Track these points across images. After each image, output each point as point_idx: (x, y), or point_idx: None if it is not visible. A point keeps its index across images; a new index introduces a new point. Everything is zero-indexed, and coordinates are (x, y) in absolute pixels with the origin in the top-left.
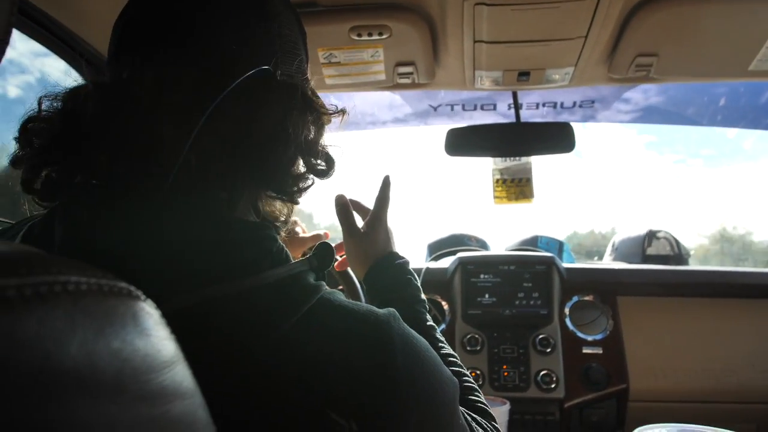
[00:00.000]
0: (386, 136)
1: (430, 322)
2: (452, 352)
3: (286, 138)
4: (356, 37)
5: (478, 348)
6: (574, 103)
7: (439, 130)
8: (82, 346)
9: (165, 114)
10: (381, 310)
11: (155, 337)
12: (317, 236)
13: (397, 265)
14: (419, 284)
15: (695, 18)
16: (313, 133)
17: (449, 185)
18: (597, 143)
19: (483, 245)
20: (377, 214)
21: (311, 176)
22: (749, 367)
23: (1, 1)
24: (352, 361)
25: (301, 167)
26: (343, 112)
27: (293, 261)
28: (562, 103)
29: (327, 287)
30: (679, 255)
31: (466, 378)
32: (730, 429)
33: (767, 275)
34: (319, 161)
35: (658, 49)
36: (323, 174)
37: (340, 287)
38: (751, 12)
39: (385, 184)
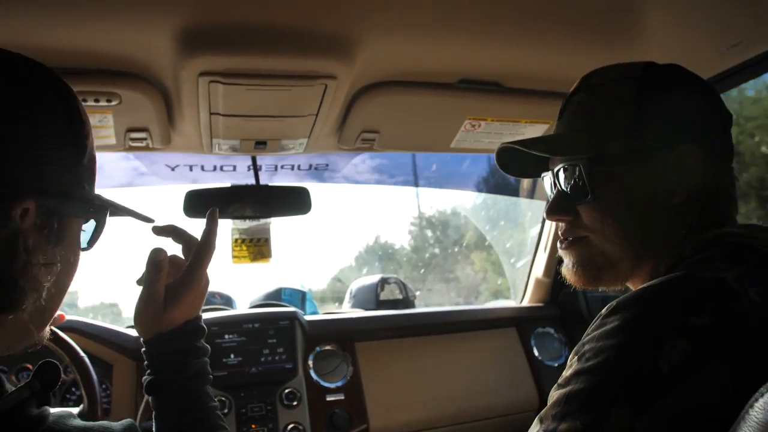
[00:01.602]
0: (123, 196)
1: (214, 402)
2: None
3: None
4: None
5: (226, 411)
6: (310, 166)
7: (179, 189)
8: None
9: None
10: (117, 428)
11: None
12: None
13: (184, 339)
14: (206, 357)
15: (407, 103)
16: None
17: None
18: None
19: (228, 301)
20: (195, 267)
21: None
22: (463, 392)
23: None
24: None
25: None
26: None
27: (10, 391)
28: (299, 166)
29: (52, 413)
30: (407, 298)
31: None
32: None
33: (478, 311)
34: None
35: (380, 127)
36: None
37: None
38: (449, 103)
39: (212, 220)
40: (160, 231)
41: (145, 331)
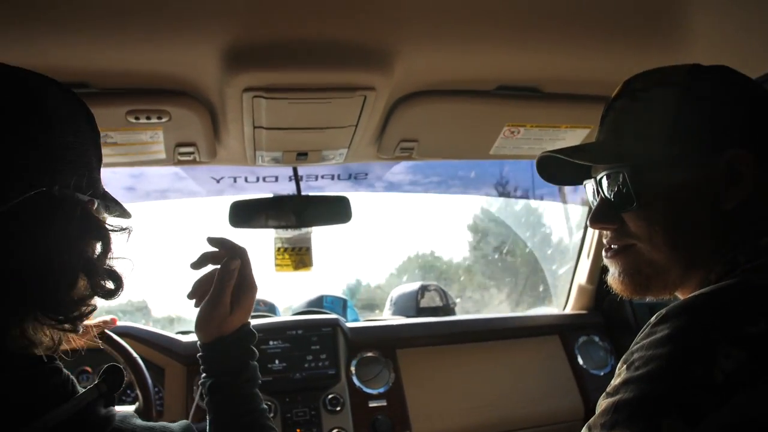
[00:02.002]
0: (169, 208)
1: (261, 405)
2: None
3: (65, 259)
4: (134, 120)
5: (272, 415)
6: (350, 175)
7: (224, 200)
8: None
9: None
10: (176, 429)
11: None
12: (104, 323)
13: (239, 347)
14: (256, 362)
15: (445, 112)
16: (97, 251)
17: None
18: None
19: (271, 308)
20: (246, 270)
21: (95, 298)
22: (506, 399)
23: None
24: None
25: (84, 289)
26: (128, 229)
27: (79, 392)
28: (339, 175)
29: (118, 413)
30: (447, 305)
31: None
32: None
33: (519, 319)
34: (105, 281)
35: (418, 136)
36: (110, 294)
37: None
38: (487, 110)
39: (219, 243)
40: (212, 241)
41: (207, 335)
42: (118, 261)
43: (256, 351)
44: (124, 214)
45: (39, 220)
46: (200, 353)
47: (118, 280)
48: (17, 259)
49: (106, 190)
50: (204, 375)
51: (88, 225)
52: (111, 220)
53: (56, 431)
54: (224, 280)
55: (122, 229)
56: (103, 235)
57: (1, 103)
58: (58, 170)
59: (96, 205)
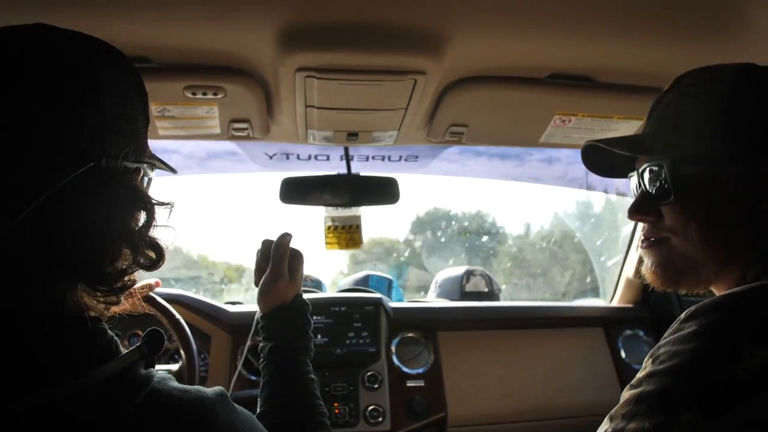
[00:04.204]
0: (221, 182)
1: (312, 375)
2: (322, 409)
3: (110, 232)
4: (191, 95)
5: None
6: (400, 157)
7: (275, 176)
8: None
9: None
10: (210, 394)
11: None
12: (148, 286)
13: (299, 313)
14: (311, 332)
15: (496, 98)
16: (140, 222)
17: (287, 224)
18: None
19: (317, 285)
20: (293, 250)
21: (137, 269)
22: (544, 389)
23: None
24: None
25: (127, 260)
26: (171, 204)
27: (123, 352)
28: (389, 157)
29: (156, 374)
30: (492, 291)
31: None
32: None
33: (564, 309)
34: (147, 252)
35: (468, 121)
36: (151, 266)
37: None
38: (538, 98)
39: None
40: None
41: (270, 304)
42: (159, 232)
43: (311, 321)
44: (169, 170)
45: (87, 195)
46: (261, 323)
47: (159, 252)
48: (66, 234)
49: (152, 152)
50: (265, 340)
51: (133, 197)
52: (155, 195)
53: (99, 387)
54: (280, 253)
55: (165, 204)
56: (148, 207)
57: (52, 73)
58: (107, 142)
59: (141, 173)
